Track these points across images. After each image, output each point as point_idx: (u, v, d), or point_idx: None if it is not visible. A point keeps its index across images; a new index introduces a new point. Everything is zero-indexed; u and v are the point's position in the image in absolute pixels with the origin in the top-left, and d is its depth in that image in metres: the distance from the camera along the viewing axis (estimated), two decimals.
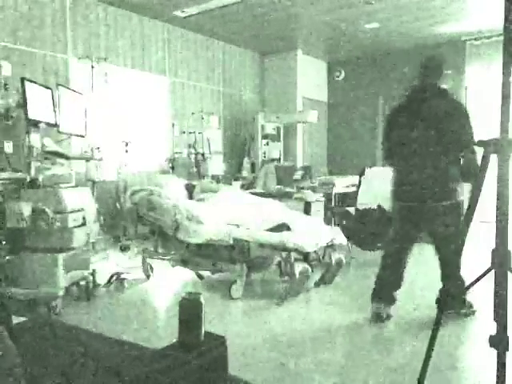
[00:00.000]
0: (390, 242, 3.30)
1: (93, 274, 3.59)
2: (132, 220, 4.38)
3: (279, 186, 5.86)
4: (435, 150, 2.87)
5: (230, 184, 6.31)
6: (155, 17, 5.74)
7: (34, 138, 3.32)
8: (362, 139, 7.49)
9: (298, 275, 3.50)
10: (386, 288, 3.15)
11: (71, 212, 3.16)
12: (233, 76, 7.12)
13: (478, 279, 1.66)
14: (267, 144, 6.97)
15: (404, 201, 3.08)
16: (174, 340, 1.12)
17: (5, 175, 3.21)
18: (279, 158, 7.11)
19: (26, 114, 3.24)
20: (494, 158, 1.61)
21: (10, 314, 1.62)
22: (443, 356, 2.50)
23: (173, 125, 6.00)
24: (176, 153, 5.94)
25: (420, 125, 2.94)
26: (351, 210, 5.26)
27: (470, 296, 3.17)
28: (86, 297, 3.49)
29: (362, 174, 5.34)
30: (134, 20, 5.61)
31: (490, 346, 1.51)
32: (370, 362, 2.49)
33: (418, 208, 2.99)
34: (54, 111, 3.69)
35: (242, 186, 6.26)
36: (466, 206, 2.88)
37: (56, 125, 3.71)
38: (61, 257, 3.13)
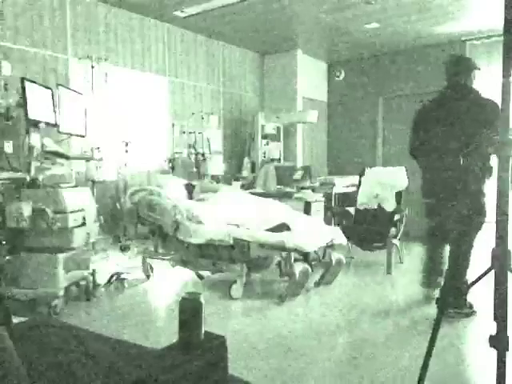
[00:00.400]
0: (426, 235, 3.50)
1: (93, 274, 3.59)
2: (132, 220, 4.38)
3: (279, 186, 5.86)
4: (466, 148, 2.92)
5: (230, 184, 6.31)
6: (155, 17, 5.74)
7: (34, 138, 3.32)
8: (361, 139, 7.49)
9: (297, 275, 3.50)
10: (430, 275, 3.41)
11: (71, 212, 3.16)
12: (233, 76, 7.12)
13: (478, 279, 1.66)
14: (267, 144, 6.97)
15: (429, 197, 3.24)
16: (174, 340, 1.12)
17: (5, 175, 3.21)
18: (279, 158, 7.11)
19: (26, 114, 3.24)
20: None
21: (9, 313, 1.62)
22: (443, 356, 2.50)
23: (173, 125, 6.00)
24: (176, 153, 5.94)
25: (452, 124, 3.02)
26: (351, 209, 5.26)
27: (470, 296, 3.18)
28: (86, 297, 3.49)
29: (362, 174, 5.34)
30: (134, 20, 5.61)
31: (490, 346, 1.51)
32: (371, 361, 2.49)
33: (441, 205, 3.09)
34: (54, 111, 3.69)
35: (242, 186, 6.26)
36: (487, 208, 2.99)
37: (56, 125, 3.71)
38: (61, 257, 3.13)
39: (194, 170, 5.95)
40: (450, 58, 3.25)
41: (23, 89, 3.26)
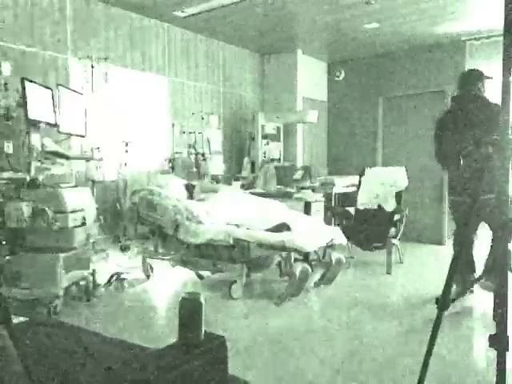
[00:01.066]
0: (454, 233, 3.73)
1: (93, 274, 3.59)
2: (132, 220, 4.38)
3: (279, 186, 5.86)
4: (481, 150, 3.13)
5: (230, 184, 6.30)
6: (155, 17, 5.73)
7: (34, 138, 3.32)
8: (362, 139, 7.48)
9: (298, 275, 3.50)
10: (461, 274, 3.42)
11: (71, 212, 3.16)
12: (233, 76, 7.11)
13: (477, 279, 1.66)
14: (267, 144, 6.96)
15: (455, 196, 3.53)
16: (174, 340, 1.12)
17: (5, 175, 3.21)
18: (279, 158, 7.11)
19: (26, 114, 3.24)
20: None
21: (9, 313, 1.62)
22: (443, 356, 2.50)
23: (173, 125, 5.99)
24: (176, 153, 5.94)
25: (466, 129, 3.33)
26: (351, 209, 5.26)
27: (470, 297, 3.19)
28: (86, 297, 3.49)
29: (362, 174, 5.34)
30: (134, 20, 5.61)
31: (490, 346, 1.51)
32: (371, 361, 2.49)
33: (465, 202, 3.38)
34: (54, 111, 3.69)
35: (242, 186, 6.26)
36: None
37: (56, 125, 3.71)
38: (61, 257, 3.13)
39: (194, 170, 5.94)
40: (463, 72, 3.71)
41: (23, 89, 3.26)
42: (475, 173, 3.18)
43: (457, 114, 3.48)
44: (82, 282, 3.52)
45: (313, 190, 5.60)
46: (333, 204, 5.87)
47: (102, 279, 3.81)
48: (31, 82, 3.42)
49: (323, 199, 5.38)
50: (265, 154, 6.90)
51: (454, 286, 3.47)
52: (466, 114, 3.39)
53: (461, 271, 3.45)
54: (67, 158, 3.65)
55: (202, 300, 1.12)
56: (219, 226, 3.74)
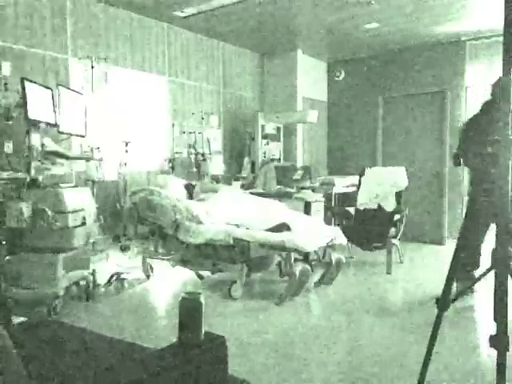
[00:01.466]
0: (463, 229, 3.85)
1: (93, 273, 3.59)
2: (132, 220, 4.38)
3: (279, 186, 5.86)
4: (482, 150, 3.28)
5: (230, 184, 6.30)
6: (155, 17, 5.73)
7: (34, 138, 3.32)
8: (362, 139, 7.48)
9: (298, 275, 3.50)
10: (466, 269, 3.54)
11: (71, 212, 3.16)
12: (233, 76, 7.11)
13: (478, 279, 1.66)
14: (267, 144, 6.96)
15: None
16: (174, 340, 1.12)
17: (5, 175, 3.21)
18: (279, 158, 7.11)
19: (26, 114, 3.24)
20: None
21: (10, 313, 1.62)
22: (443, 356, 2.50)
23: (173, 125, 6.00)
24: (176, 153, 5.94)
25: (488, 133, 3.34)
26: (351, 209, 5.26)
27: (470, 297, 3.18)
28: (86, 297, 3.49)
29: (362, 174, 5.34)
30: (134, 20, 5.61)
31: (490, 346, 1.51)
32: (370, 361, 2.49)
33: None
34: (54, 111, 3.69)
35: (242, 186, 6.26)
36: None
37: (56, 125, 3.71)
38: (61, 257, 3.13)
39: (194, 170, 5.95)
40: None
41: (23, 89, 3.26)
42: (479, 173, 3.24)
43: (479, 119, 3.67)
44: (82, 282, 3.52)
45: (313, 190, 5.60)
46: (333, 204, 5.87)
47: (102, 279, 3.81)
48: (31, 82, 3.42)
49: (323, 199, 5.38)
50: (265, 153, 6.90)
51: (456, 286, 3.52)
52: (489, 119, 3.53)
53: (465, 270, 3.47)
54: (67, 157, 3.65)
55: (202, 300, 1.12)
56: (219, 226, 3.74)
